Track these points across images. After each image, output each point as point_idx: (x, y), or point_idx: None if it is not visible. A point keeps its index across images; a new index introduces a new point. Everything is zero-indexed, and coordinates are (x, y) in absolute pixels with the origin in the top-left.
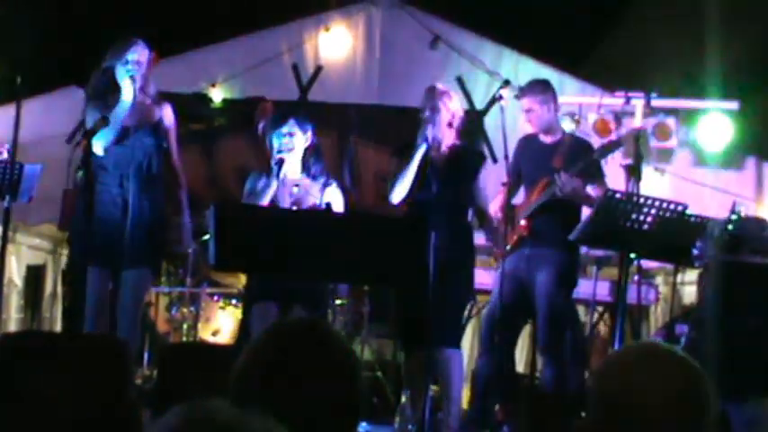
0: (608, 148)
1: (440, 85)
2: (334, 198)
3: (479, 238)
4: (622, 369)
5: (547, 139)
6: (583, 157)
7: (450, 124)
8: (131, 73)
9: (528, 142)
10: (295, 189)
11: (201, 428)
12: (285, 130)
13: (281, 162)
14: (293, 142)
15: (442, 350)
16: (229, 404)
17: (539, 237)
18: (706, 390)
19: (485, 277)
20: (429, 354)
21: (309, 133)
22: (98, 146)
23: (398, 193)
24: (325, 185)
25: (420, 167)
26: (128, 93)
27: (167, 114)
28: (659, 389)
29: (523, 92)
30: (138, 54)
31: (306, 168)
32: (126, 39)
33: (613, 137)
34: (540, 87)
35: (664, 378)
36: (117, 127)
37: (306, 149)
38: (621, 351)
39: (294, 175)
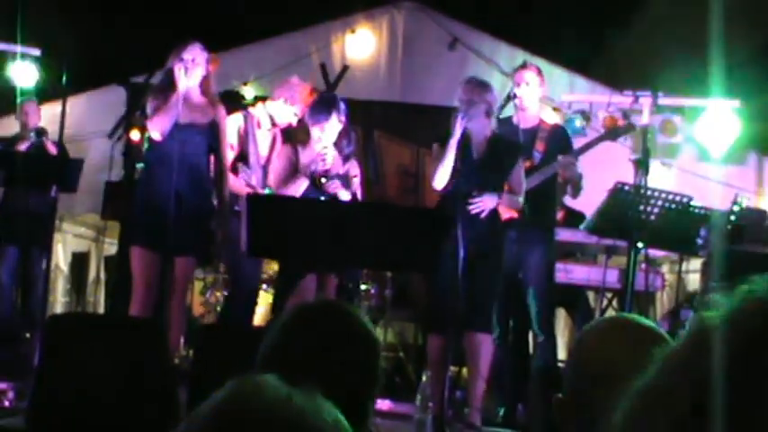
0: (619, 131)
1: (477, 78)
2: (352, 170)
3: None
4: (593, 341)
5: (524, 124)
6: (563, 142)
7: (487, 114)
8: (184, 67)
9: (505, 126)
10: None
11: (250, 402)
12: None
13: (325, 172)
14: (329, 144)
15: (473, 334)
16: (276, 378)
17: (529, 219)
18: None
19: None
20: (449, 337)
21: (343, 117)
22: (155, 131)
23: (440, 179)
24: (346, 160)
25: (458, 157)
26: (180, 84)
27: (220, 116)
28: (629, 359)
29: (527, 65)
30: (194, 53)
31: (338, 149)
32: (184, 40)
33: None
34: (539, 69)
35: (634, 348)
36: (172, 114)
37: (339, 133)
38: (593, 324)
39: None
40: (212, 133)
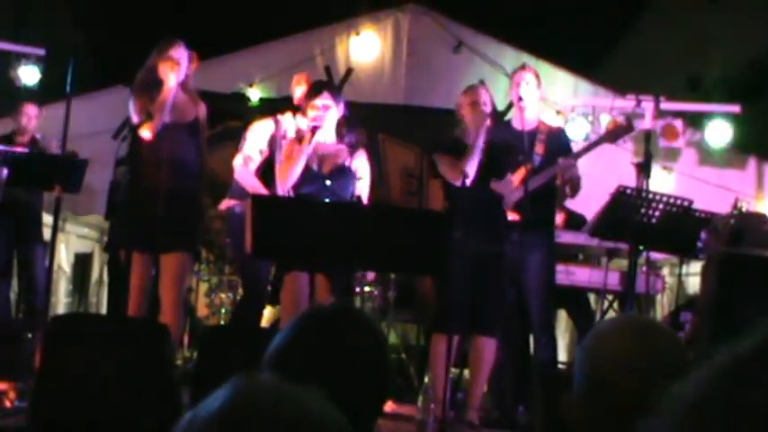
0: (619, 132)
1: (479, 85)
2: (362, 167)
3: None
4: (600, 341)
5: (523, 126)
6: (562, 144)
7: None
8: (173, 67)
9: (505, 129)
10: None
11: (252, 400)
12: (320, 102)
13: (315, 129)
14: (327, 114)
15: (477, 337)
16: (277, 377)
17: (531, 221)
18: (683, 359)
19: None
20: (450, 339)
21: (341, 105)
22: (146, 132)
23: (470, 169)
24: (354, 151)
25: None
26: (169, 81)
27: (202, 112)
28: (633, 358)
29: (525, 67)
30: (179, 52)
31: (339, 136)
32: (168, 39)
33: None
34: (537, 73)
35: (638, 347)
36: (164, 113)
37: (338, 120)
38: (600, 325)
39: (327, 141)
40: (196, 130)
